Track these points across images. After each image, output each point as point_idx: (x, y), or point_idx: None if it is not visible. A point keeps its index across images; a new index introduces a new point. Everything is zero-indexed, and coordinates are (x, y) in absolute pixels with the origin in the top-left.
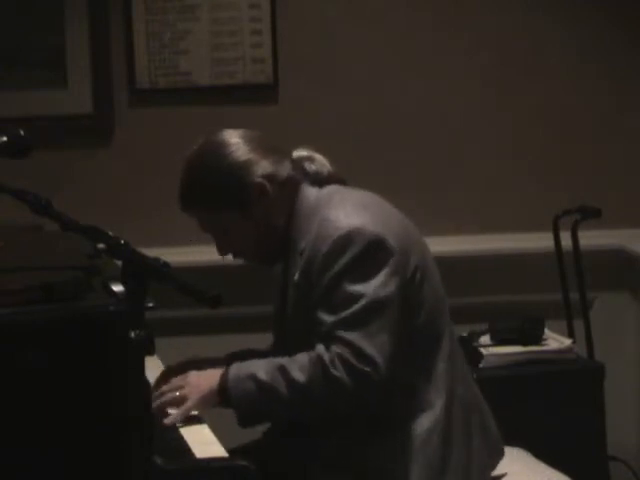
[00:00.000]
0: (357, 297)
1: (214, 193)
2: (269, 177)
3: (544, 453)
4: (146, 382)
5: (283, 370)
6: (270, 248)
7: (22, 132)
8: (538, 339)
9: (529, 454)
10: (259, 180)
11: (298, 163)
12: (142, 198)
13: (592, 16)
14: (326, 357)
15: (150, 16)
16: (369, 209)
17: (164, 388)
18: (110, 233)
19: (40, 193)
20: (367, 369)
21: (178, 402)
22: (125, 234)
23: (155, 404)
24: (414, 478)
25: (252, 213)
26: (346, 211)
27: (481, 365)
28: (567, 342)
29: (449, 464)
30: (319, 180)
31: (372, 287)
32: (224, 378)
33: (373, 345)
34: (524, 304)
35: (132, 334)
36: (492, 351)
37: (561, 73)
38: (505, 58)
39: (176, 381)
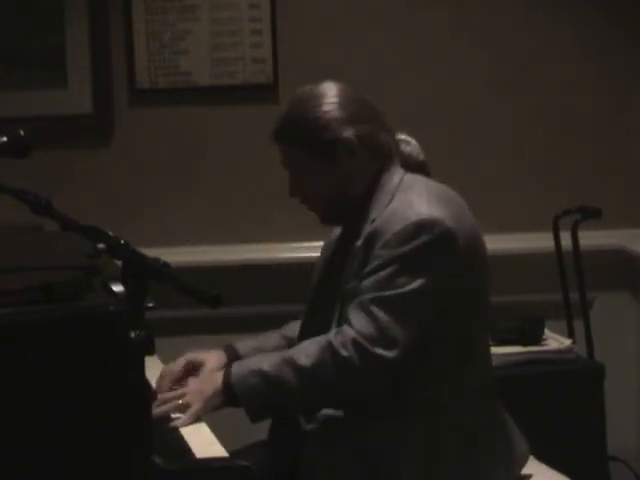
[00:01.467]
0: (404, 284)
1: (306, 135)
2: (362, 139)
3: (544, 453)
4: (146, 382)
5: (289, 360)
6: (339, 208)
7: (22, 132)
8: (538, 339)
9: (530, 455)
10: (351, 137)
11: (395, 144)
12: (142, 198)
13: (592, 16)
14: (336, 341)
15: (150, 16)
16: (449, 203)
17: (165, 396)
18: (110, 233)
19: (40, 193)
20: (381, 351)
21: (182, 409)
22: (125, 234)
23: (156, 412)
24: (428, 470)
25: (336, 167)
26: (429, 199)
27: None
28: (567, 342)
29: (470, 464)
30: (410, 164)
31: (422, 281)
32: (227, 377)
33: (401, 328)
34: (524, 304)
35: (132, 334)
36: (492, 351)
37: (561, 73)
38: (505, 58)
39: (173, 393)
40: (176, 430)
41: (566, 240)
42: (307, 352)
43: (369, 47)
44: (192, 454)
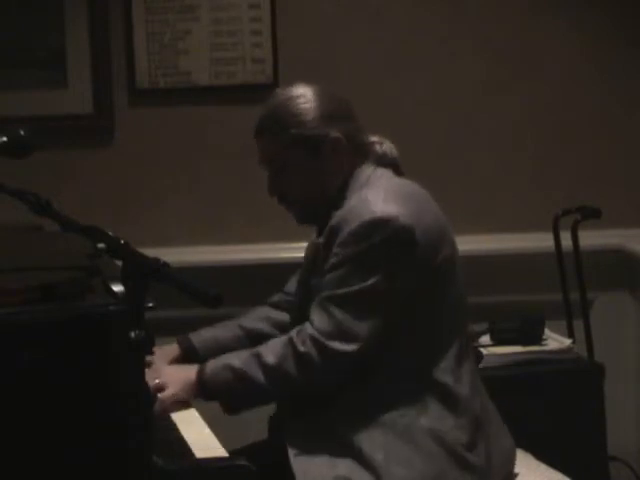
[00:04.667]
0: (358, 282)
1: (293, 126)
2: (347, 136)
3: (544, 453)
4: (146, 382)
5: (257, 356)
6: (316, 206)
7: (22, 132)
8: (538, 339)
9: (529, 455)
10: (338, 135)
11: (370, 144)
12: (142, 198)
13: (592, 16)
14: (296, 338)
15: (150, 16)
16: (408, 200)
17: None
18: (110, 233)
19: (40, 193)
20: (338, 345)
21: (158, 389)
22: (125, 234)
23: None
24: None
25: (319, 162)
26: (386, 197)
27: (481, 365)
28: (567, 342)
29: (442, 464)
30: (383, 162)
31: (377, 278)
32: (201, 371)
33: (360, 328)
34: (524, 304)
35: (132, 334)
36: (492, 351)
37: (561, 73)
38: (505, 58)
39: (149, 373)
40: (176, 430)
41: (566, 240)
42: (272, 349)
43: (369, 47)
44: (192, 454)
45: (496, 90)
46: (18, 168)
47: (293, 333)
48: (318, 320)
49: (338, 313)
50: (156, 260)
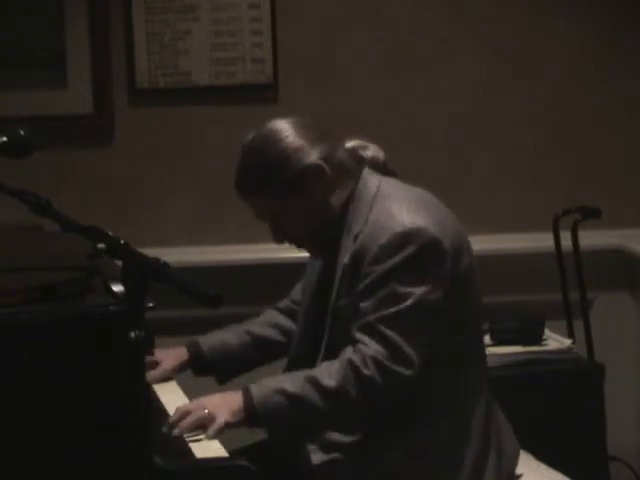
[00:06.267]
0: (405, 297)
1: (273, 177)
2: (326, 159)
3: (544, 453)
4: (146, 382)
5: (312, 380)
6: (326, 232)
7: (22, 132)
8: (538, 339)
9: (529, 455)
10: (317, 162)
11: (353, 151)
12: (142, 198)
13: (592, 16)
14: (356, 358)
15: (150, 16)
16: (429, 209)
17: (183, 409)
18: (110, 233)
19: (40, 193)
20: (400, 369)
21: (206, 421)
22: (125, 234)
23: (182, 425)
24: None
25: (311, 195)
26: (409, 207)
27: None
28: (567, 342)
29: (462, 473)
30: (377, 166)
31: (421, 290)
32: (247, 397)
33: (412, 345)
34: (524, 304)
35: (132, 334)
36: (492, 351)
37: (561, 73)
38: (505, 58)
39: (193, 404)
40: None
41: (566, 240)
42: (329, 372)
43: (369, 47)
44: (192, 454)
45: (496, 90)
46: (18, 168)
47: (350, 354)
48: (373, 345)
49: (392, 334)
50: (156, 260)
